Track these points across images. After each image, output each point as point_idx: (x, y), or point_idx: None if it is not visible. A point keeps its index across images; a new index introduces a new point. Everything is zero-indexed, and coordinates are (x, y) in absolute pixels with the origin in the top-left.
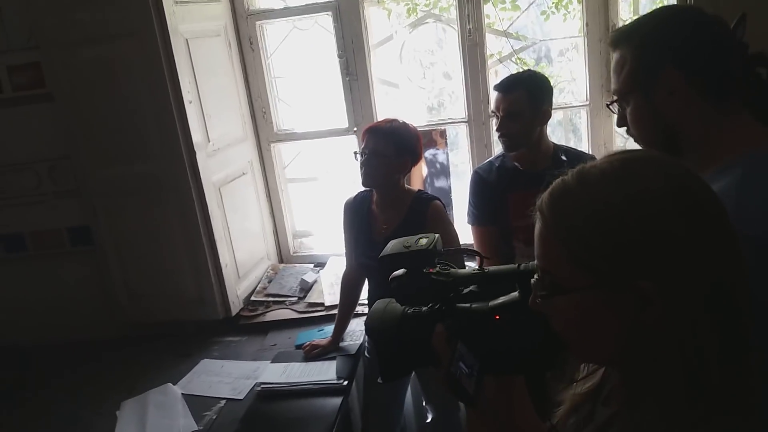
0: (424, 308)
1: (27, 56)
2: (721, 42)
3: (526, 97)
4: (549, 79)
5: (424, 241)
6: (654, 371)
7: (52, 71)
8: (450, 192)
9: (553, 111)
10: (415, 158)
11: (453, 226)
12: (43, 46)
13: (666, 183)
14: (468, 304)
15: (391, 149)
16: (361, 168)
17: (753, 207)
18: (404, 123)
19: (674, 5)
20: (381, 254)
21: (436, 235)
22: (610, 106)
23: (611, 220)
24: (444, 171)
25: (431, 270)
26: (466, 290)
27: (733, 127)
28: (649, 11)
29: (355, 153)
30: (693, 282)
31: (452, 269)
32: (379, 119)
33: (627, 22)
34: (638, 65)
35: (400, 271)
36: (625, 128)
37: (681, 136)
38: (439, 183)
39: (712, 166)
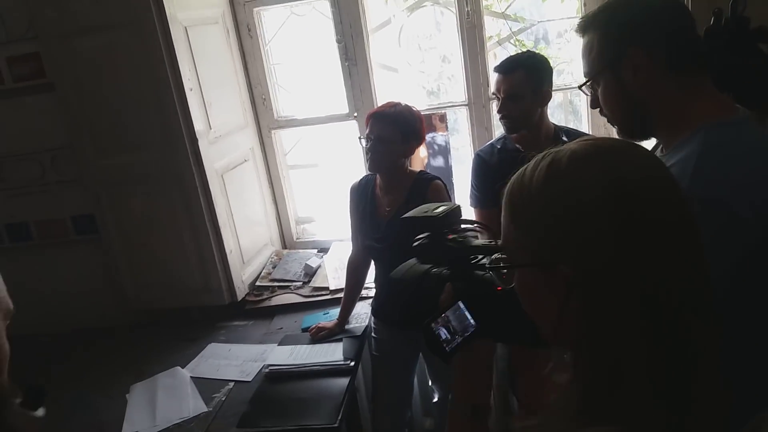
0: (445, 270)
1: (26, 47)
2: (678, 17)
3: (526, 78)
4: (548, 60)
5: (441, 209)
6: (581, 357)
7: (52, 61)
8: (451, 172)
9: (552, 92)
10: (420, 141)
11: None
12: (42, 37)
13: (603, 177)
14: (482, 272)
15: (397, 134)
16: (366, 154)
17: (709, 169)
18: (407, 106)
19: None
20: (403, 215)
21: (456, 204)
22: (582, 88)
23: (546, 205)
24: (443, 151)
25: (450, 236)
26: (479, 259)
27: (696, 100)
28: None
29: (360, 138)
30: (616, 279)
31: (468, 238)
32: (379, 104)
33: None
34: (604, 46)
35: (423, 235)
36: (598, 109)
37: (650, 113)
38: (437, 163)
39: (677, 140)
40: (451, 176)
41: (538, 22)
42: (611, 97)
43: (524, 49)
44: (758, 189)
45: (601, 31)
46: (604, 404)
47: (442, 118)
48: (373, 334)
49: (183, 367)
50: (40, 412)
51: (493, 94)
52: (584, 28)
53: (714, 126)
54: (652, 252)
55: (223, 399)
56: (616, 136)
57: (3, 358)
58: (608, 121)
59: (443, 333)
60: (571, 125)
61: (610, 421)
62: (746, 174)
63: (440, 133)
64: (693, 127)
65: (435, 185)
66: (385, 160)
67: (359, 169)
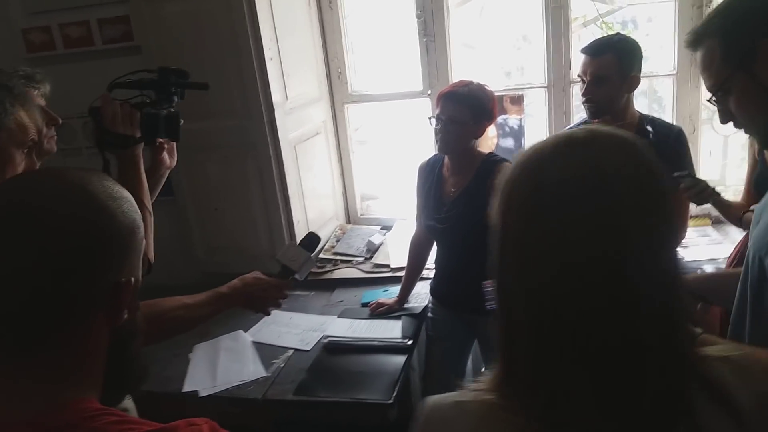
0: None
1: (116, 9)
2: None
3: (615, 62)
4: (639, 44)
5: None
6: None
7: (140, 25)
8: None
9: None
10: (491, 120)
11: None
12: (133, 1)
13: (521, 171)
14: None
15: (468, 115)
16: (436, 134)
17: None
18: (479, 85)
19: None
20: None
21: None
22: (711, 102)
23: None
24: (515, 134)
25: None
26: None
27: None
28: (722, 2)
29: (430, 118)
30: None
31: None
32: (454, 81)
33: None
34: (728, 49)
35: None
36: (732, 122)
37: None
38: (506, 144)
39: None
40: None
41: (628, 5)
42: (750, 101)
43: (612, 32)
44: None
45: (719, 36)
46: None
47: (515, 100)
48: (429, 314)
49: (245, 331)
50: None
51: (579, 76)
52: (696, 41)
53: None
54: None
55: (282, 366)
56: (696, 126)
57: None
58: (747, 132)
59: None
60: (654, 114)
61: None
62: None
63: (513, 116)
64: None
65: (502, 167)
66: (455, 141)
67: (430, 148)
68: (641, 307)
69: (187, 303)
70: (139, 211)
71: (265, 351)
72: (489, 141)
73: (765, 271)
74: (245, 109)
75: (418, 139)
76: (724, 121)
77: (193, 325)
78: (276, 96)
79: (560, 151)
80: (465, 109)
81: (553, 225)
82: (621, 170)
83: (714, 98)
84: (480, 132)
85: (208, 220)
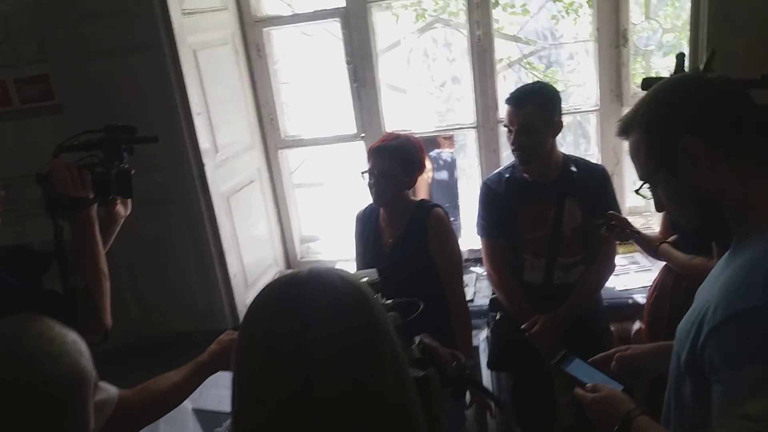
0: None
1: (35, 69)
2: (726, 91)
3: (539, 111)
4: (557, 88)
5: None
6: None
7: (61, 83)
8: (456, 188)
9: (563, 116)
10: (422, 170)
11: (454, 233)
12: (52, 59)
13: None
14: None
15: (398, 168)
16: (370, 189)
17: None
18: (407, 137)
19: (669, 79)
20: None
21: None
22: (640, 192)
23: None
24: (449, 166)
25: None
26: None
27: None
28: (645, 94)
29: (363, 173)
30: None
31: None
32: (386, 125)
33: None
34: (652, 144)
35: None
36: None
37: (720, 207)
38: (441, 176)
39: (749, 235)
40: (457, 193)
41: (550, 45)
42: (673, 197)
43: (534, 72)
44: None
45: (644, 128)
46: None
47: (450, 139)
48: None
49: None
50: None
51: (506, 125)
52: (626, 129)
53: None
54: None
55: None
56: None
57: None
58: (679, 222)
59: None
60: (581, 148)
61: None
62: None
63: (446, 149)
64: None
65: (434, 214)
66: (388, 193)
67: (366, 191)
68: None
69: (176, 381)
70: (84, 355)
71: (207, 418)
72: (425, 175)
73: (681, 368)
74: (173, 164)
75: (356, 180)
76: (658, 209)
77: (183, 399)
78: (205, 149)
79: (275, 288)
80: (395, 163)
81: (259, 352)
82: (321, 317)
83: (641, 188)
84: (412, 182)
85: (141, 278)
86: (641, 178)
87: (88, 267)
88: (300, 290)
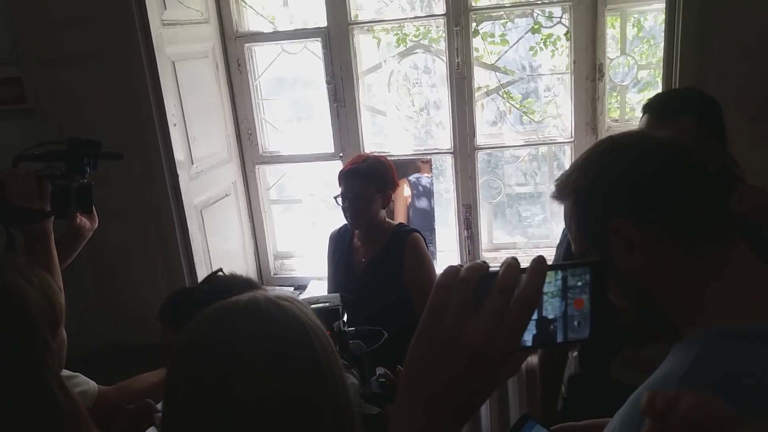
0: None
1: (8, 71)
2: (675, 166)
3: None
4: (534, 118)
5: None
6: None
7: (34, 87)
8: (433, 215)
9: (538, 146)
10: (395, 188)
11: (430, 259)
12: (26, 62)
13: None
14: None
15: (373, 189)
16: (345, 212)
17: None
18: (375, 157)
19: (610, 139)
20: None
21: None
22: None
23: None
24: (427, 193)
25: None
26: None
27: (715, 285)
28: (585, 152)
29: (336, 198)
30: None
31: None
32: (365, 146)
33: (568, 170)
34: (582, 220)
35: None
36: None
37: (661, 300)
38: (421, 204)
39: (685, 337)
40: (434, 220)
41: (528, 75)
42: (609, 283)
43: (511, 102)
44: None
45: (574, 200)
46: None
47: (428, 162)
48: None
49: None
50: None
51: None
52: (559, 194)
53: (721, 334)
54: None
55: None
56: None
57: None
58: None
59: None
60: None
61: None
62: None
63: (425, 174)
64: (704, 323)
65: (412, 239)
66: (364, 216)
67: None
68: None
69: (153, 382)
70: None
71: None
72: (404, 200)
73: None
74: (147, 174)
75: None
76: None
77: (160, 400)
78: (180, 160)
79: (208, 318)
80: (369, 184)
81: (182, 383)
82: (249, 354)
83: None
84: (387, 202)
85: (108, 288)
86: (575, 254)
87: None
88: (231, 323)
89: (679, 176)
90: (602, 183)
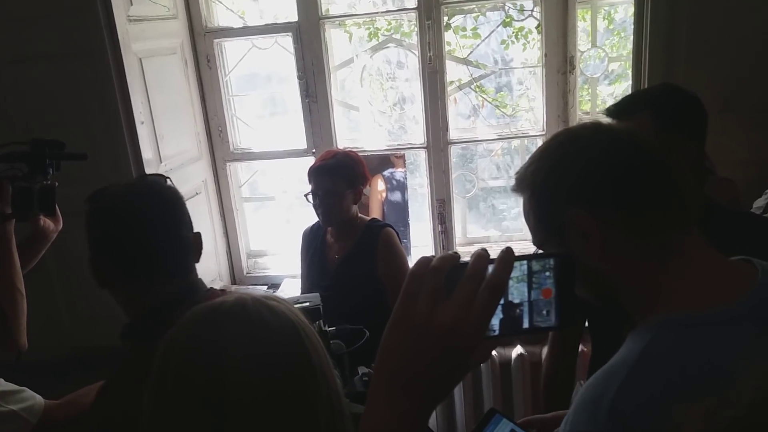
0: None
1: None
2: (632, 156)
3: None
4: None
5: None
6: None
7: None
8: (407, 209)
9: (511, 140)
10: (365, 183)
11: (404, 254)
12: None
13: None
14: None
15: (343, 185)
16: (316, 210)
17: (631, 393)
18: (344, 153)
19: (566, 131)
20: None
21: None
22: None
23: None
24: (401, 187)
25: None
26: None
27: (669, 274)
28: (542, 144)
29: (307, 195)
30: None
31: None
32: (338, 142)
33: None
34: (540, 211)
35: None
36: None
37: (618, 289)
38: (395, 198)
39: (639, 325)
40: (408, 214)
41: (500, 69)
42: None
43: (484, 96)
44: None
45: (531, 192)
46: None
47: (401, 157)
48: None
49: None
50: None
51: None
52: (517, 187)
53: (671, 322)
54: None
55: None
56: None
57: None
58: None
59: None
60: None
61: None
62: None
63: (399, 169)
64: (657, 311)
65: (385, 234)
66: (336, 212)
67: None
68: None
69: None
70: None
71: None
72: (378, 195)
73: None
74: (114, 173)
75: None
76: None
77: None
78: (148, 159)
79: (192, 322)
80: (339, 180)
81: (168, 394)
82: (241, 360)
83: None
84: (358, 197)
85: (75, 289)
86: (534, 245)
87: (2, 285)
88: (219, 327)
89: (632, 166)
90: (558, 174)
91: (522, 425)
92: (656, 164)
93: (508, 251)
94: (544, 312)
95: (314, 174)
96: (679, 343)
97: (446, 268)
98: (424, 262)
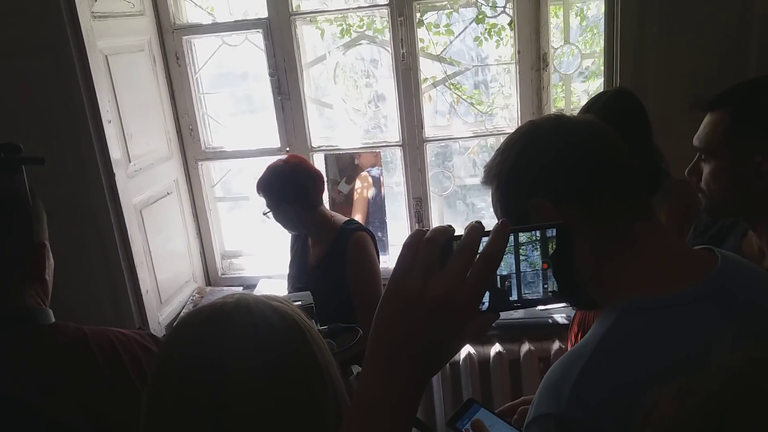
0: None
1: None
2: (588, 149)
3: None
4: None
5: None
6: None
7: None
8: (384, 205)
9: (486, 137)
10: (313, 184)
11: (374, 259)
12: None
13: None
14: None
15: (273, 200)
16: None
17: (592, 378)
18: (283, 163)
19: (531, 122)
20: None
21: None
22: None
23: None
24: (375, 184)
25: None
26: None
27: (629, 258)
28: (508, 136)
29: (265, 214)
30: None
31: None
32: (312, 140)
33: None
34: (506, 200)
35: None
36: None
37: (582, 275)
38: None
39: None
40: (384, 213)
41: (474, 66)
42: None
43: (458, 93)
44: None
45: (497, 184)
46: None
47: (377, 155)
48: None
49: None
50: None
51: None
52: (485, 179)
53: (631, 306)
54: None
55: None
56: None
57: None
58: None
59: None
60: None
61: None
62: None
63: (375, 167)
64: (618, 296)
65: (355, 238)
66: (291, 223)
67: None
68: None
69: None
70: None
71: None
72: (363, 196)
73: None
74: (81, 174)
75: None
76: None
77: None
78: (116, 158)
79: (194, 323)
80: (269, 196)
81: (170, 397)
82: (245, 363)
83: None
84: (306, 204)
85: None
86: None
87: None
88: (223, 327)
89: (590, 154)
90: (521, 165)
91: (499, 415)
92: (611, 153)
93: (504, 224)
94: (542, 285)
95: (259, 192)
96: (644, 325)
97: (440, 240)
98: (418, 234)
